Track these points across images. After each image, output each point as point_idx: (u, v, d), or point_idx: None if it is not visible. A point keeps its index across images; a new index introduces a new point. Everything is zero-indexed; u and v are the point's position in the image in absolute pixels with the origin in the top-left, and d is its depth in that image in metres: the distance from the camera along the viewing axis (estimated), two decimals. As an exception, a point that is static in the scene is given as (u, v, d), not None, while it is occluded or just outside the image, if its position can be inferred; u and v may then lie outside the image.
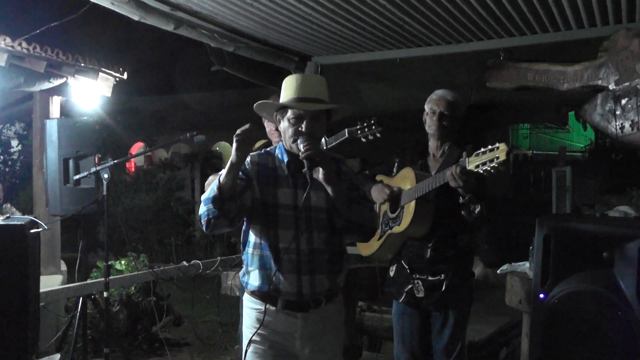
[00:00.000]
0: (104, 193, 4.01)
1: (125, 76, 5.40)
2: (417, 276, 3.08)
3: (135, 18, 3.77)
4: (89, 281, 4.33)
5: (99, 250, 8.28)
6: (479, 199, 2.85)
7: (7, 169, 13.01)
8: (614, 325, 2.36)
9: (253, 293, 2.41)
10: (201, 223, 2.31)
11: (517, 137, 20.35)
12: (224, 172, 2.22)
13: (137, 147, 16.15)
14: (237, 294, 4.27)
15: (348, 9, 3.86)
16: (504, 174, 2.86)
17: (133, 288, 5.52)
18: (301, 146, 2.27)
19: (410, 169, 3.08)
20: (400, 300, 3.14)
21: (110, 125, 10.56)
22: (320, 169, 2.28)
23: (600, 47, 4.03)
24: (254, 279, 2.39)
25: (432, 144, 3.17)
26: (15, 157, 13.24)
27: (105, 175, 3.95)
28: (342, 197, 2.33)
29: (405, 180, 3.08)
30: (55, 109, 5.30)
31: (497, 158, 2.57)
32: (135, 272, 5.03)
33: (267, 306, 2.34)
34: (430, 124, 3.11)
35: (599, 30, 4.14)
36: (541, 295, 2.62)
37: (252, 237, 2.40)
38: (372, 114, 3.44)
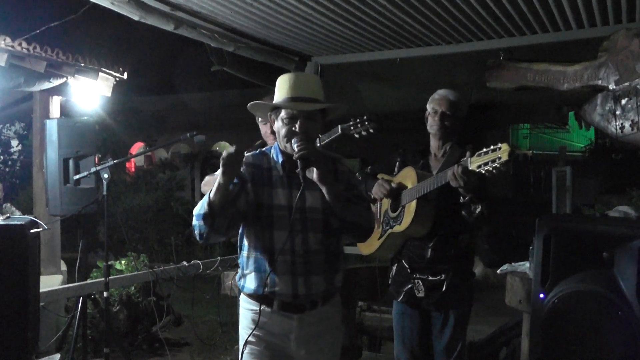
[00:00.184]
0: (104, 193, 4.01)
1: (125, 76, 5.41)
2: (418, 276, 3.07)
3: (135, 18, 3.77)
4: (89, 281, 4.34)
5: (99, 250, 8.28)
6: (480, 199, 2.84)
7: (7, 169, 13.02)
8: (614, 325, 2.36)
9: (249, 295, 2.40)
10: (194, 234, 2.31)
11: (517, 137, 20.34)
12: (213, 188, 2.21)
13: (137, 147, 16.16)
14: (237, 294, 4.27)
15: (348, 9, 3.86)
16: (504, 174, 2.86)
17: (133, 288, 5.53)
18: (295, 146, 2.24)
19: (412, 169, 3.08)
20: (399, 300, 3.14)
21: (110, 125, 10.58)
22: (315, 169, 2.25)
23: (600, 47, 4.03)
24: (249, 282, 2.37)
25: (434, 143, 3.16)
26: (15, 157, 13.26)
27: (105, 175, 3.95)
28: (337, 197, 2.29)
29: (406, 179, 3.08)
30: (55, 109, 5.31)
31: (500, 158, 2.56)
32: (135, 272, 5.04)
33: (262, 307, 2.33)
34: (432, 124, 3.10)
35: (599, 30, 4.14)
36: (541, 295, 2.61)
37: (247, 240, 2.39)
38: (372, 114, 3.45)
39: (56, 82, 4.89)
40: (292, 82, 2.34)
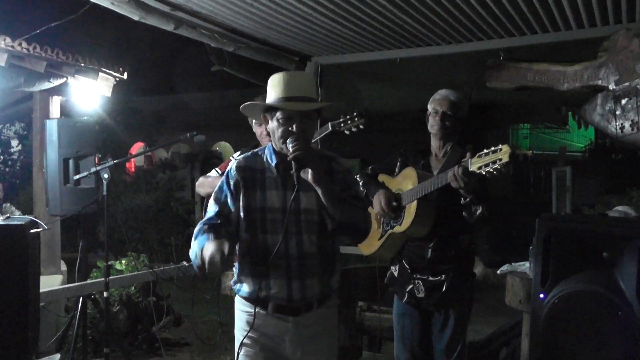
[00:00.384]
0: (104, 193, 4.01)
1: (125, 76, 5.41)
2: (418, 276, 3.07)
3: (135, 18, 3.77)
4: (89, 281, 4.34)
5: (99, 250, 8.28)
6: (480, 200, 2.83)
7: (7, 169, 13.02)
8: (614, 325, 2.36)
9: (244, 298, 2.38)
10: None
11: (517, 137, 20.35)
12: (199, 254, 2.16)
13: (137, 147, 16.16)
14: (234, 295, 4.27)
15: (348, 9, 3.86)
16: (504, 175, 2.85)
17: (133, 288, 5.52)
18: (290, 146, 2.21)
19: (413, 169, 3.07)
20: (404, 301, 3.14)
21: (110, 125, 10.57)
22: (309, 170, 2.22)
23: (600, 47, 4.03)
24: (245, 287, 2.36)
25: (435, 143, 3.15)
26: (15, 157, 13.26)
27: (105, 175, 3.95)
28: (332, 198, 2.25)
29: (407, 180, 3.08)
30: (55, 109, 5.31)
31: (500, 160, 2.55)
32: (135, 272, 5.04)
33: (257, 310, 2.31)
34: (432, 124, 3.10)
35: (599, 30, 4.14)
36: (541, 295, 2.61)
37: (242, 245, 2.36)
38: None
39: (56, 82, 4.89)
40: (286, 82, 2.29)
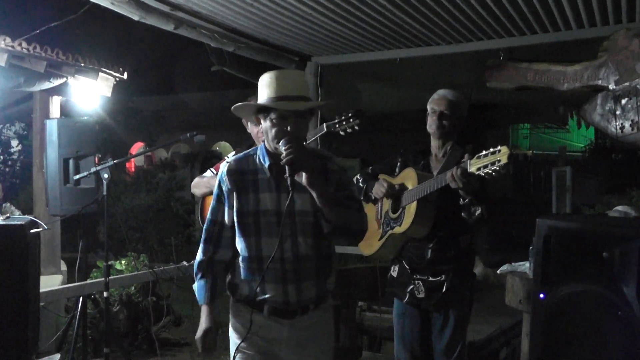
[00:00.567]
0: (104, 193, 4.01)
1: (125, 76, 5.41)
2: (418, 277, 3.07)
3: (135, 18, 3.77)
4: (89, 281, 4.34)
5: (99, 250, 8.28)
6: (479, 201, 2.83)
7: (7, 169, 13.03)
8: (614, 325, 2.36)
9: (239, 301, 2.37)
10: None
11: (517, 137, 20.37)
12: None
13: (137, 147, 16.19)
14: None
15: (348, 9, 3.86)
16: (504, 175, 2.84)
17: (133, 288, 5.52)
18: (282, 149, 2.16)
19: (412, 170, 3.07)
20: (405, 301, 3.14)
21: (110, 125, 10.58)
22: (303, 174, 2.17)
23: (600, 47, 4.03)
24: (239, 289, 2.35)
25: (434, 143, 3.15)
26: (15, 157, 13.26)
27: (105, 175, 3.95)
28: (327, 201, 2.21)
29: (407, 180, 3.07)
30: (55, 109, 5.30)
31: (499, 161, 2.54)
32: (135, 272, 5.04)
33: (252, 313, 2.29)
34: (430, 124, 3.10)
35: (599, 30, 4.14)
36: (541, 295, 2.61)
37: (237, 249, 2.34)
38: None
39: (56, 82, 4.89)
40: (279, 81, 2.24)
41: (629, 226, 2.63)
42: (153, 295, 5.39)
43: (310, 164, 2.19)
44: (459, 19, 4.03)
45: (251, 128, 3.16)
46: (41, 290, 3.22)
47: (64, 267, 5.46)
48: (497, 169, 2.55)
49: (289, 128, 2.21)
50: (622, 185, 9.27)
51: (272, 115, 2.22)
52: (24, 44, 4.42)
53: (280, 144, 2.18)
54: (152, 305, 5.29)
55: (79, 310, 4.11)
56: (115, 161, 4.04)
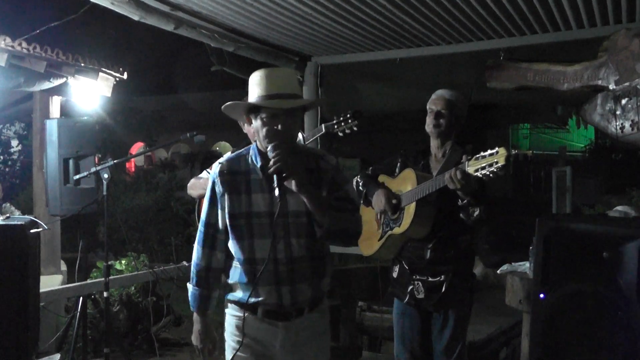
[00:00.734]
0: (104, 193, 4.01)
1: (125, 76, 5.40)
2: (417, 277, 3.07)
3: (135, 18, 3.77)
4: (89, 281, 4.34)
5: (99, 250, 8.28)
6: (478, 202, 2.82)
7: (7, 169, 13.03)
8: (614, 325, 2.36)
9: (234, 302, 2.34)
10: None
11: (517, 137, 20.36)
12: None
13: (137, 147, 16.19)
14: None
15: (348, 9, 3.86)
16: (503, 176, 2.83)
17: (133, 288, 5.53)
18: (270, 156, 2.13)
19: (412, 170, 3.07)
20: (405, 301, 3.13)
21: (110, 125, 10.58)
22: (293, 181, 2.14)
23: (600, 47, 4.03)
24: (234, 292, 2.32)
25: (433, 143, 3.16)
26: (15, 157, 13.26)
27: (105, 175, 3.95)
28: (319, 206, 2.18)
29: (406, 181, 3.08)
30: (55, 109, 5.30)
31: (497, 163, 2.54)
32: (135, 272, 5.04)
33: (246, 315, 2.27)
34: (427, 123, 3.10)
35: (599, 30, 4.14)
36: (541, 295, 2.61)
37: (230, 251, 2.31)
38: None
39: (56, 82, 4.88)
40: (269, 79, 2.20)
41: (629, 226, 2.63)
42: (153, 295, 5.39)
43: (299, 169, 2.17)
44: (459, 19, 4.03)
45: (247, 128, 3.13)
46: (41, 290, 3.22)
47: (64, 267, 5.46)
48: (495, 170, 2.55)
49: (279, 127, 2.17)
50: (622, 185, 9.28)
51: (263, 114, 2.19)
52: (24, 44, 4.42)
53: (268, 149, 2.16)
54: (152, 305, 5.29)
55: (79, 310, 4.11)
56: (115, 161, 4.04)
